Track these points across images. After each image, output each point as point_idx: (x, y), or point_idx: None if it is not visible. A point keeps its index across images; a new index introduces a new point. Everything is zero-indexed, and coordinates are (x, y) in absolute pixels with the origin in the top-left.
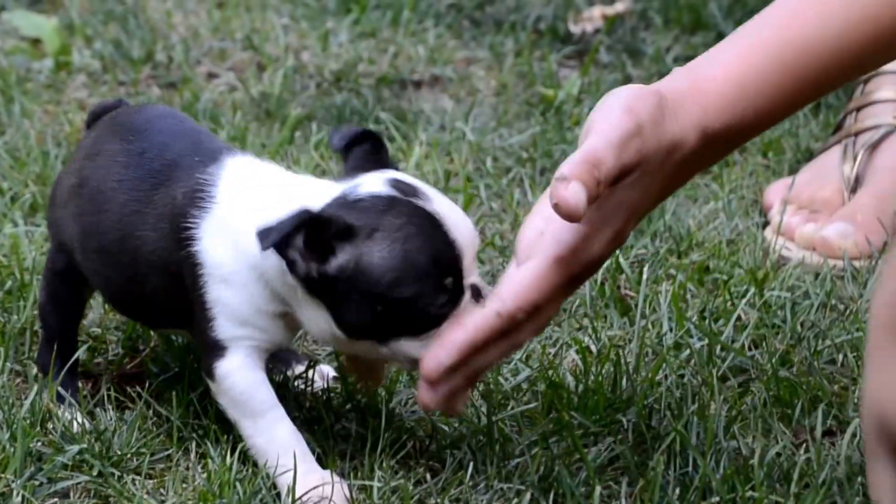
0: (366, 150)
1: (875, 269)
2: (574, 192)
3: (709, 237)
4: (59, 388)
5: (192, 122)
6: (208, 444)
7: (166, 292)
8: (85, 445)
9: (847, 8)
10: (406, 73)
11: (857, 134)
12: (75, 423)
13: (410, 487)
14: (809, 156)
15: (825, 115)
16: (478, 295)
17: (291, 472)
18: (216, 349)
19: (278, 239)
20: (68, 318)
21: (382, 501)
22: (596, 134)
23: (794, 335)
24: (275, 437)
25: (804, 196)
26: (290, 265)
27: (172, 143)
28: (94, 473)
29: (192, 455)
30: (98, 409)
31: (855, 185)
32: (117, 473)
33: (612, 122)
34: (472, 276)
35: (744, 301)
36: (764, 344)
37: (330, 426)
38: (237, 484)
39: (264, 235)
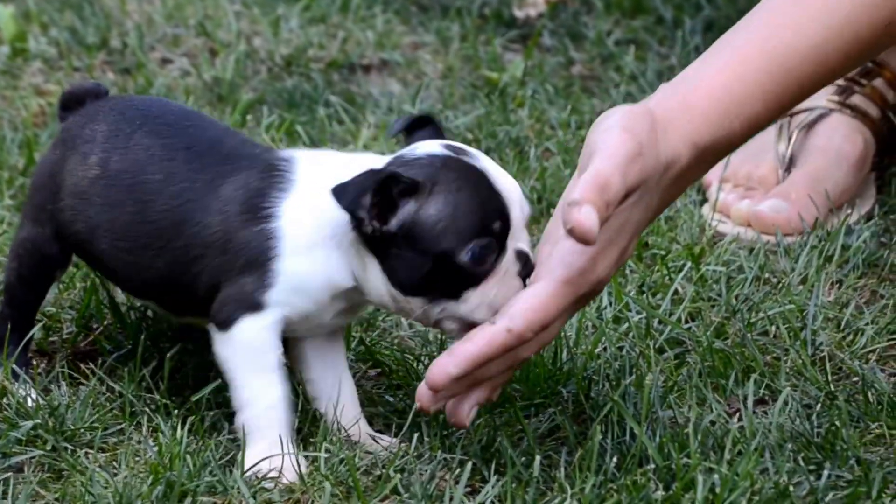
0: (426, 135)
1: (807, 244)
2: (587, 216)
3: None
4: (14, 366)
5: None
6: (159, 418)
7: (217, 270)
8: (39, 421)
9: (826, 15)
10: (355, 57)
11: (792, 115)
12: (29, 400)
13: (357, 459)
14: None
15: None
16: (525, 261)
17: (256, 434)
18: (252, 306)
19: (355, 195)
20: (37, 299)
21: (330, 471)
22: (601, 156)
23: (729, 308)
24: (263, 397)
25: (741, 174)
26: (358, 222)
27: (222, 139)
28: (48, 448)
29: (144, 429)
30: (52, 386)
31: (789, 164)
32: (70, 448)
33: (614, 143)
34: (520, 241)
35: (681, 275)
36: (700, 317)
37: None
38: (187, 457)
39: (340, 193)
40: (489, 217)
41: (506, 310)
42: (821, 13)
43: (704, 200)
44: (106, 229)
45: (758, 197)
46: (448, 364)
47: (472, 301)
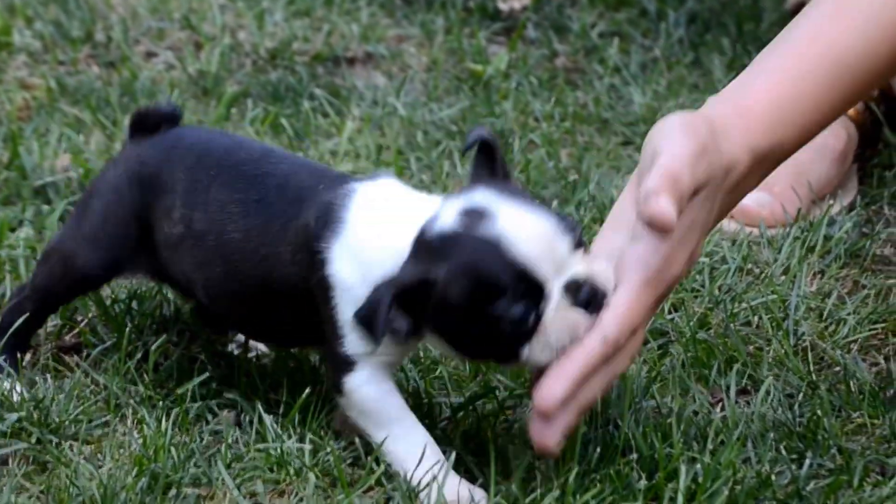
0: (481, 158)
1: (789, 235)
2: (666, 205)
3: None
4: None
5: (295, 156)
6: (144, 410)
7: (307, 317)
8: (24, 414)
9: (873, 21)
10: (340, 50)
11: None
12: (14, 393)
13: (340, 451)
14: None
15: None
16: (578, 288)
17: (434, 480)
18: (345, 364)
19: (378, 323)
20: (64, 304)
21: (314, 463)
22: (667, 154)
23: (712, 299)
24: (414, 444)
25: None
26: (396, 333)
27: (288, 180)
28: (33, 441)
29: (129, 421)
30: (37, 379)
31: None
32: (55, 440)
33: (678, 142)
34: (572, 269)
35: None
36: (683, 307)
37: (264, 392)
38: (172, 449)
39: (367, 324)
40: (510, 285)
41: (594, 321)
42: (866, 19)
43: None
44: (203, 285)
45: None
46: (554, 386)
47: (532, 354)
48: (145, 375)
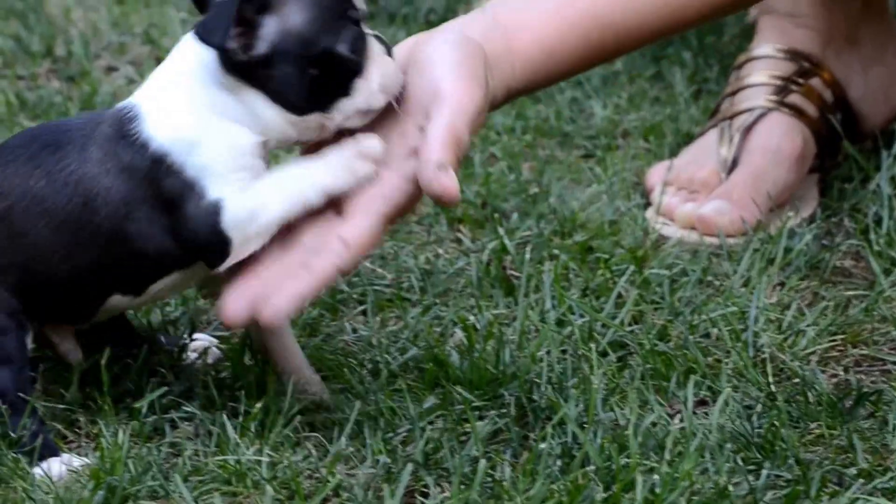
0: None
1: (749, 247)
2: (454, 179)
3: (592, 218)
4: None
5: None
6: (101, 423)
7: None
8: None
9: None
10: None
11: (732, 117)
12: None
13: (298, 463)
14: (689, 139)
15: (705, 101)
16: (381, 41)
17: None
18: (210, 213)
19: (223, 28)
20: None
21: (272, 476)
22: (451, 108)
23: (672, 311)
24: (300, 183)
25: (683, 177)
26: (230, 54)
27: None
28: None
29: (86, 434)
30: None
31: (731, 167)
32: (12, 455)
33: (464, 90)
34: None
35: (624, 279)
36: (643, 319)
37: (222, 405)
38: (129, 462)
39: (206, 31)
40: (346, 6)
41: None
42: None
43: (648, 204)
44: None
45: (701, 199)
46: (282, 303)
47: (364, 88)
48: (102, 386)
